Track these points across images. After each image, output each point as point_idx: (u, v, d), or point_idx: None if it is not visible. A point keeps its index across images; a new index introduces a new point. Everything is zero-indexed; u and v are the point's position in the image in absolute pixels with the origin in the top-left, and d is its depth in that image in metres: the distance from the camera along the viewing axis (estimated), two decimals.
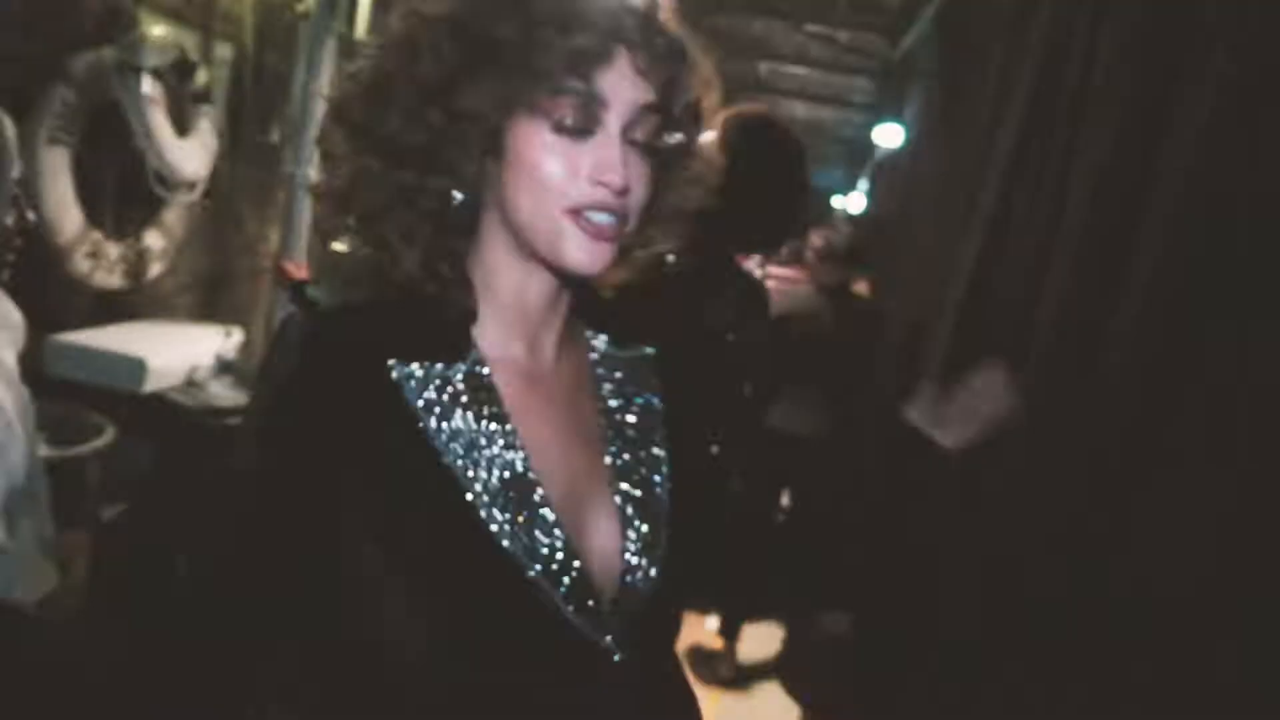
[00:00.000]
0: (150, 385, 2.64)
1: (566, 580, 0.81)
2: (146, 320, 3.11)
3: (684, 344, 1.01)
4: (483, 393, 0.84)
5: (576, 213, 0.80)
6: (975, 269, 2.52)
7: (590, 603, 0.83)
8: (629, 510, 0.88)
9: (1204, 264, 1.44)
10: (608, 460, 0.90)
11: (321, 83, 3.21)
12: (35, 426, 1.50)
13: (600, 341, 0.96)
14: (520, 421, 0.85)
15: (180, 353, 2.81)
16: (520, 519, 0.81)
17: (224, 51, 3.29)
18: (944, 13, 4.63)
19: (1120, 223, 1.71)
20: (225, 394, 2.85)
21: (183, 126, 2.95)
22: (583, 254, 0.81)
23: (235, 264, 3.66)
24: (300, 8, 3.45)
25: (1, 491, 1.27)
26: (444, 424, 0.82)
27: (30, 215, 1.35)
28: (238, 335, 3.05)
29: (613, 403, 0.94)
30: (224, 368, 2.92)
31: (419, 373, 0.83)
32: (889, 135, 7.15)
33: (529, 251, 0.85)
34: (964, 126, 3.34)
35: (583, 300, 0.92)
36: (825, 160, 14.72)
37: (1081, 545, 1.56)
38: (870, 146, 8.40)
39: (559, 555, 0.82)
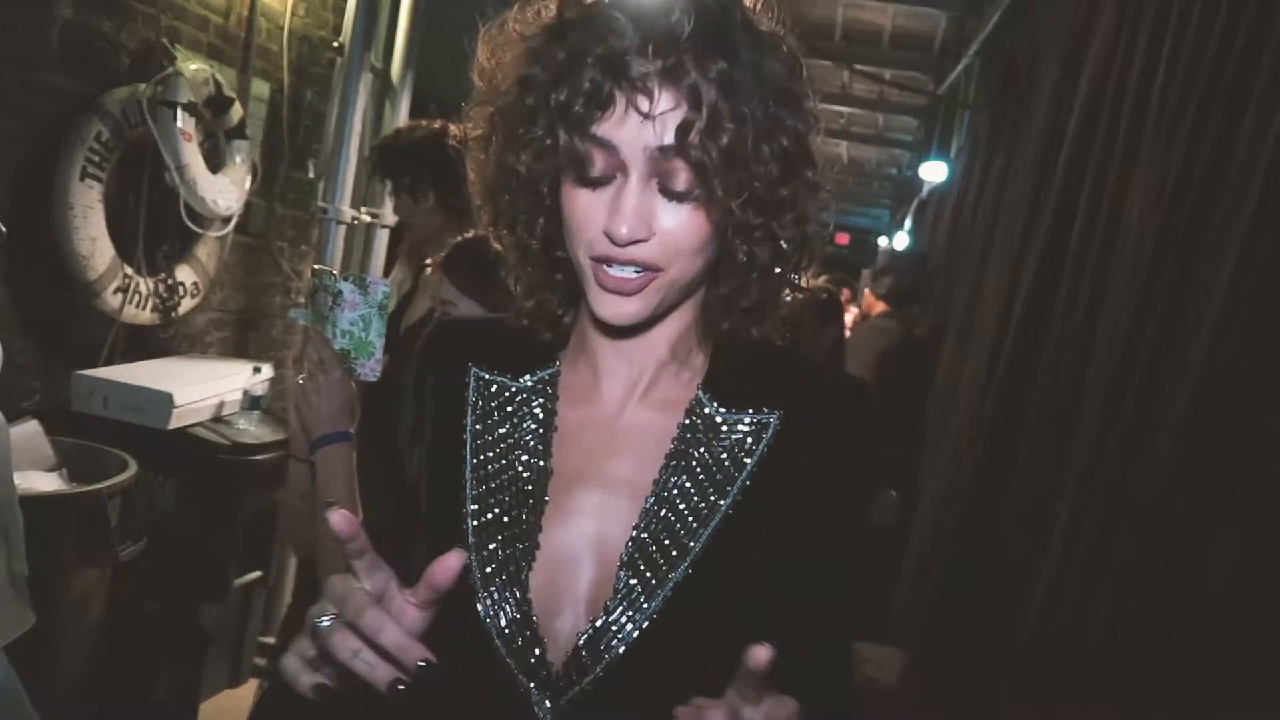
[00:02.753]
0: (176, 421, 2.60)
1: (521, 638, 0.80)
2: (177, 356, 3.09)
3: (820, 413, 0.87)
4: (537, 414, 0.88)
5: (599, 263, 0.78)
6: (1027, 304, 2.40)
7: (539, 659, 0.80)
8: (638, 560, 0.80)
9: (1273, 292, 1.33)
10: (648, 504, 0.83)
11: (356, 119, 3.19)
12: (7, 456, 1.44)
13: (702, 394, 0.87)
14: (566, 456, 0.85)
15: (208, 388, 2.77)
16: (502, 574, 0.82)
17: (260, 88, 3.30)
18: (990, 45, 4.54)
19: (1180, 258, 1.60)
20: (252, 430, 2.80)
21: (217, 162, 2.95)
22: (601, 305, 0.80)
23: (268, 300, 3.64)
24: (336, 44, 3.46)
25: None
26: (486, 436, 0.87)
27: (2, 229, 1.30)
28: (267, 371, 3.02)
29: (690, 453, 0.85)
30: (252, 404, 2.87)
31: (487, 378, 0.90)
32: (934, 172, 7.06)
33: None
34: (1014, 158, 3.23)
35: (714, 358, 0.89)
36: (870, 199, 14.68)
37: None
38: (913, 184, 8.32)
39: (523, 633, 0.80)
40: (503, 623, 0.80)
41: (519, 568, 0.81)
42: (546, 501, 0.84)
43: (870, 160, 12.87)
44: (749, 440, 0.84)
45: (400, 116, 3.42)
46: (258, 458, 2.76)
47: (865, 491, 0.95)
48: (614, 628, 0.78)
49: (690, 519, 0.81)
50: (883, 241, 10.23)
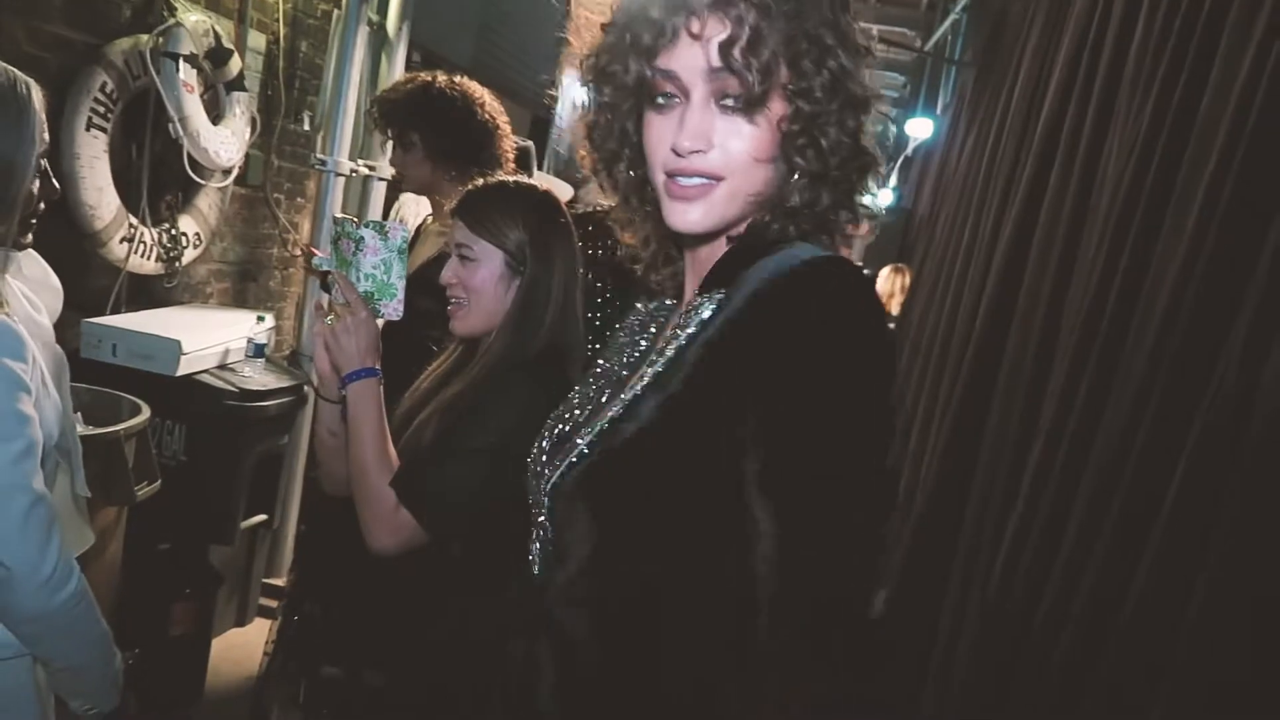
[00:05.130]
0: (184, 368, 2.68)
1: (543, 449, 1.03)
2: (180, 306, 3.16)
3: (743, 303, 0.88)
4: (645, 323, 1.07)
5: (670, 177, 0.90)
6: (1004, 264, 2.50)
7: (543, 470, 1.00)
8: (602, 401, 1.00)
9: (1235, 248, 1.42)
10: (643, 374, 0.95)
11: (354, 72, 3.23)
12: (67, 385, 1.53)
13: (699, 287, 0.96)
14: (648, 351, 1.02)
15: (214, 336, 2.84)
16: (563, 417, 1.05)
17: (257, 40, 3.33)
18: (978, 1, 4.59)
19: (1150, 211, 1.69)
20: (257, 377, 2.88)
21: (217, 113, 2.99)
22: (673, 214, 0.91)
23: (267, 251, 3.70)
24: None
25: (36, 447, 1.30)
26: (620, 338, 1.08)
27: (56, 185, 1.38)
28: (270, 320, 3.09)
29: (665, 339, 0.97)
30: (256, 351, 2.95)
31: (639, 305, 1.10)
32: (920, 128, 7.10)
33: None
34: (998, 115, 3.31)
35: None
36: None
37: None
38: (899, 140, 8.34)
39: (545, 442, 1.04)
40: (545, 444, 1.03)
41: (567, 422, 1.03)
42: (607, 393, 1.01)
43: None
44: (703, 313, 0.91)
45: (396, 70, 3.46)
46: (263, 404, 2.84)
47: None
48: (575, 453, 0.94)
49: (638, 376, 0.93)
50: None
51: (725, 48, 0.85)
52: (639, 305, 1.10)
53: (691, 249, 0.99)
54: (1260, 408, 1.23)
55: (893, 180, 9.05)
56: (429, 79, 2.43)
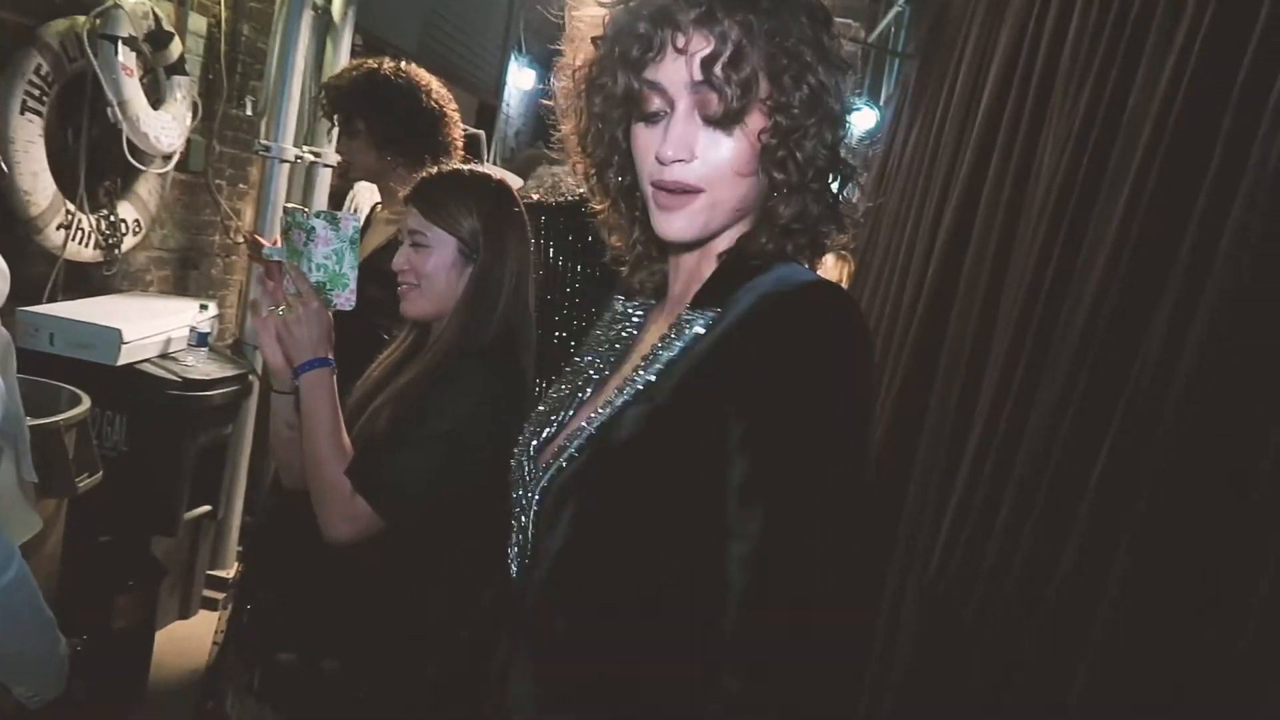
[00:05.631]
0: (125, 357, 2.63)
1: (527, 449, 1.04)
2: (120, 294, 3.10)
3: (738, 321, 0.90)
4: (624, 321, 1.09)
5: (656, 187, 0.93)
6: (944, 252, 2.56)
7: (529, 470, 1.02)
8: (587, 412, 0.99)
9: (1162, 237, 1.48)
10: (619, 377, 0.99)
11: (298, 57, 3.19)
12: (13, 369, 1.50)
13: (689, 302, 0.99)
14: (627, 354, 1.05)
15: (155, 325, 2.80)
16: (547, 416, 1.05)
17: (198, 22, 3.26)
18: None
19: (1082, 202, 1.75)
20: (200, 367, 2.84)
21: (157, 98, 2.93)
22: (660, 222, 0.94)
23: (208, 239, 3.64)
24: None
25: None
26: (597, 334, 1.10)
27: (3, 167, 1.36)
28: (213, 309, 3.04)
29: (646, 341, 1.01)
30: (199, 340, 2.91)
31: (615, 303, 1.11)
32: (863, 119, 7.20)
33: None
34: (941, 107, 3.38)
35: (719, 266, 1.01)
36: None
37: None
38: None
39: (533, 441, 1.04)
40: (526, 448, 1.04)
41: (551, 424, 1.03)
42: (589, 391, 1.04)
43: None
44: (690, 329, 0.94)
45: (342, 55, 3.42)
46: (206, 394, 2.80)
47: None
48: (565, 456, 0.95)
49: (619, 394, 0.95)
50: None
51: (708, 63, 0.88)
52: (617, 304, 1.12)
53: (676, 255, 1.02)
54: (1175, 389, 1.29)
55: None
56: (375, 65, 2.42)
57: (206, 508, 3.04)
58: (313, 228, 1.47)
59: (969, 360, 2.19)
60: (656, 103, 0.91)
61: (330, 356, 1.45)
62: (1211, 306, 1.27)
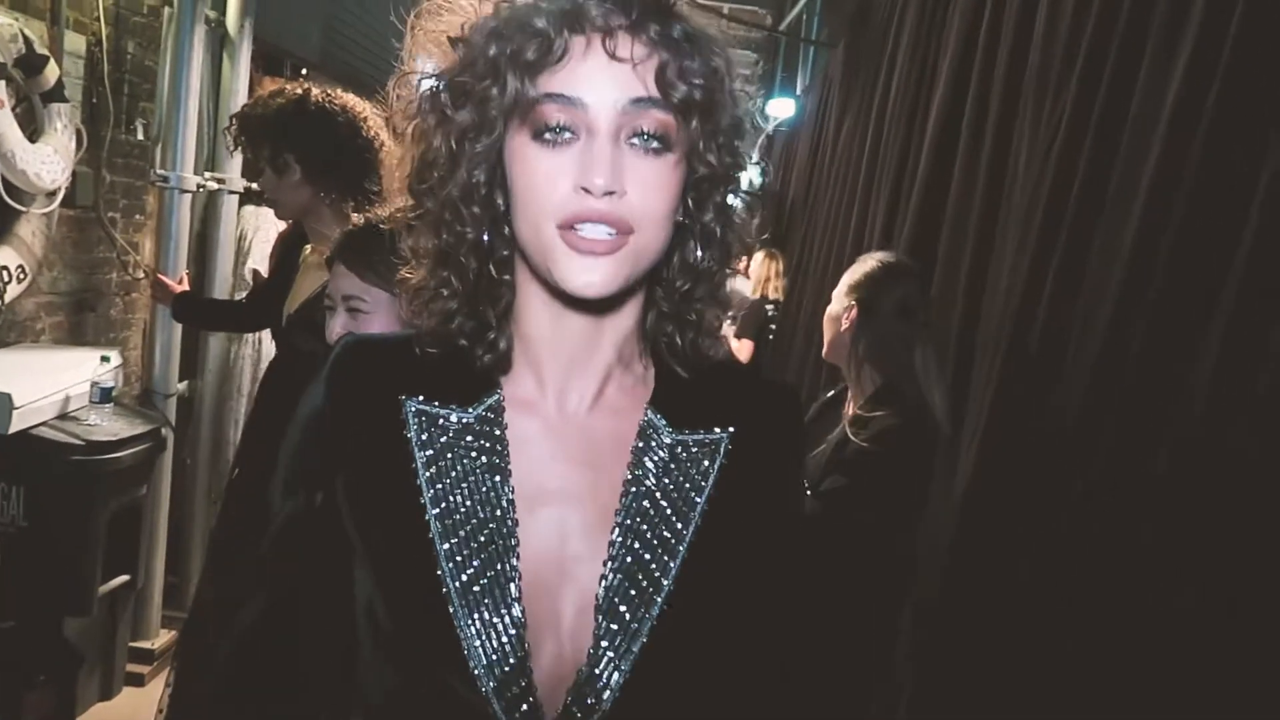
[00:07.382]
0: (18, 423, 2.34)
1: (511, 690, 0.75)
2: (7, 348, 2.78)
3: (765, 426, 0.87)
4: (488, 440, 0.81)
5: (566, 228, 0.73)
6: (909, 250, 2.46)
7: (532, 707, 0.75)
8: (615, 601, 0.78)
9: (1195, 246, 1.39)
10: (613, 536, 0.79)
11: (192, 77, 2.91)
12: None
13: (654, 417, 0.84)
14: (525, 475, 0.80)
15: (50, 383, 2.51)
16: (486, 598, 0.76)
17: (75, 42, 2.95)
18: None
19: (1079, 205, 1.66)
20: (106, 425, 2.56)
21: (34, 129, 2.63)
22: (572, 274, 0.74)
23: (105, 277, 3.32)
24: None
25: None
26: (440, 468, 0.80)
27: None
28: (116, 358, 2.75)
29: (647, 482, 0.81)
30: (102, 396, 2.62)
31: (430, 411, 0.81)
32: (781, 109, 7.14)
33: (549, 286, 0.78)
34: (878, 99, 3.28)
35: (659, 377, 0.86)
36: None
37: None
38: (756, 121, 8.39)
39: (510, 660, 0.75)
40: (491, 647, 0.75)
41: (504, 589, 0.76)
42: (516, 523, 0.79)
43: None
44: (704, 462, 0.83)
45: (241, 73, 3.14)
46: (114, 455, 2.53)
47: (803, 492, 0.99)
48: (601, 676, 0.76)
49: (660, 551, 0.79)
50: None
51: (661, 74, 0.73)
52: (444, 418, 0.81)
53: (558, 324, 0.81)
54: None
55: (754, 156, 9.11)
56: (301, 92, 2.16)
57: (124, 578, 2.75)
58: None
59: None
60: (558, 118, 0.73)
61: None
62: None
